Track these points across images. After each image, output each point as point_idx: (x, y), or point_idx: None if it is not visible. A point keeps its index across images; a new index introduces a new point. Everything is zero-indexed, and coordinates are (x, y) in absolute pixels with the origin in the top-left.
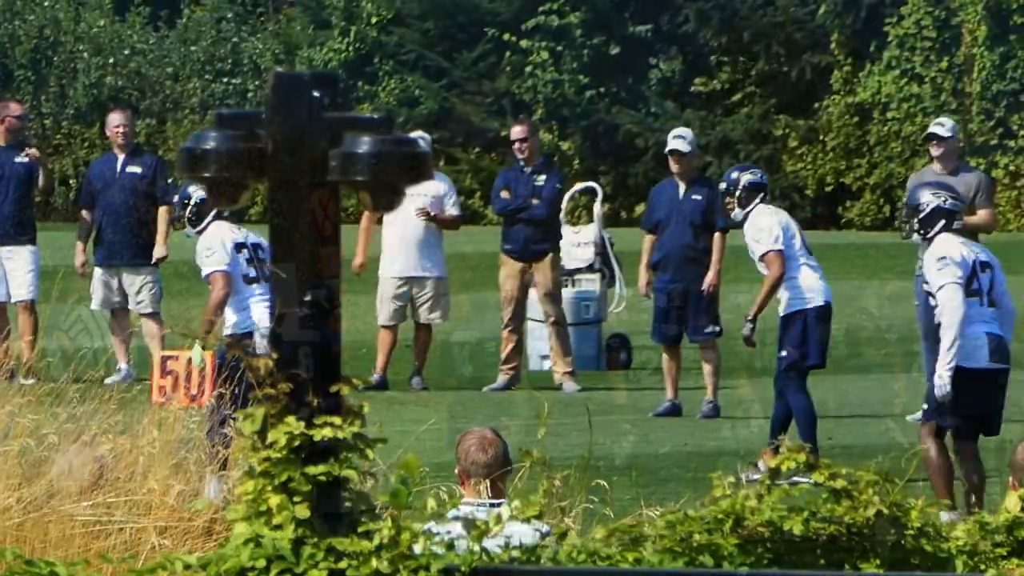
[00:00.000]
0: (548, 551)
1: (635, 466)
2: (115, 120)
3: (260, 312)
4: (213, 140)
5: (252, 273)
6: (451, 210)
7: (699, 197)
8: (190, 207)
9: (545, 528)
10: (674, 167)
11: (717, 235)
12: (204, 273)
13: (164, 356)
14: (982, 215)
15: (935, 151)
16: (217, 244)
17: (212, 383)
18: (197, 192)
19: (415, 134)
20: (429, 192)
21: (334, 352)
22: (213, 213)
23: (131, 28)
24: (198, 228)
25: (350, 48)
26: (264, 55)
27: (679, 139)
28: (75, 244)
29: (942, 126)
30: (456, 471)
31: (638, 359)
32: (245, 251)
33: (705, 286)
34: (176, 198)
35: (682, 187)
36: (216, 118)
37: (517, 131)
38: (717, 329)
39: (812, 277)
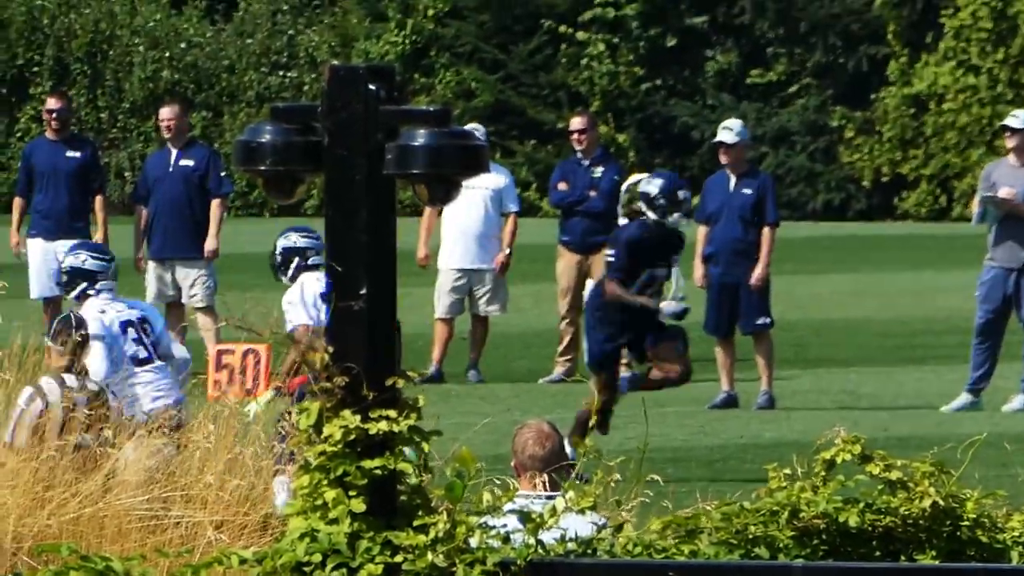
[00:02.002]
0: (604, 543)
1: (691, 458)
2: (164, 114)
3: None
4: (268, 133)
5: None
6: (510, 203)
7: (749, 191)
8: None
9: (601, 520)
10: (723, 158)
11: (767, 228)
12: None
13: (219, 350)
14: None
15: (1010, 143)
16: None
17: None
18: (281, 241)
19: (470, 126)
20: (488, 184)
21: (390, 344)
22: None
23: (187, 21)
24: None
25: (406, 41)
26: (320, 48)
27: (726, 130)
28: (131, 238)
29: (1016, 118)
30: (512, 464)
31: (694, 351)
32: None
33: (753, 280)
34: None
35: (732, 179)
36: (271, 111)
37: (577, 122)
38: (768, 320)
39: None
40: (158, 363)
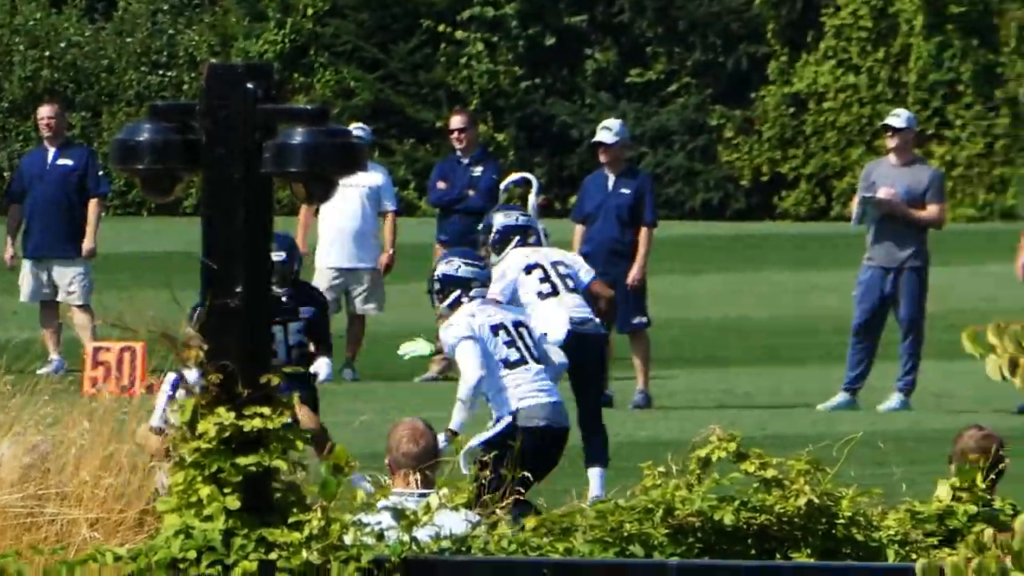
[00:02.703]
0: (479, 541)
1: (566, 456)
2: (43, 113)
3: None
4: (146, 132)
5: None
6: (387, 202)
7: (628, 190)
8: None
9: (475, 518)
10: (602, 158)
11: (644, 229)
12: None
13: (95, 347)
14: (932, 210)
15: (890, 142)
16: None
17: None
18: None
19: (355, 125)
20: (365, 183)
21: (264, 342)
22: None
23: (67, 20)
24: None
25: (285, 40)
26: (200, 47)
27: (605, 130)
28: (4, 237)
29: (897, 117)
30: (386, 461)
31: None
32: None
33: (630, 280)
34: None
35: (611, 179)
36: (150, 109)
37: (456, 121)
38: (645, 320)
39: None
40: (531, 364)
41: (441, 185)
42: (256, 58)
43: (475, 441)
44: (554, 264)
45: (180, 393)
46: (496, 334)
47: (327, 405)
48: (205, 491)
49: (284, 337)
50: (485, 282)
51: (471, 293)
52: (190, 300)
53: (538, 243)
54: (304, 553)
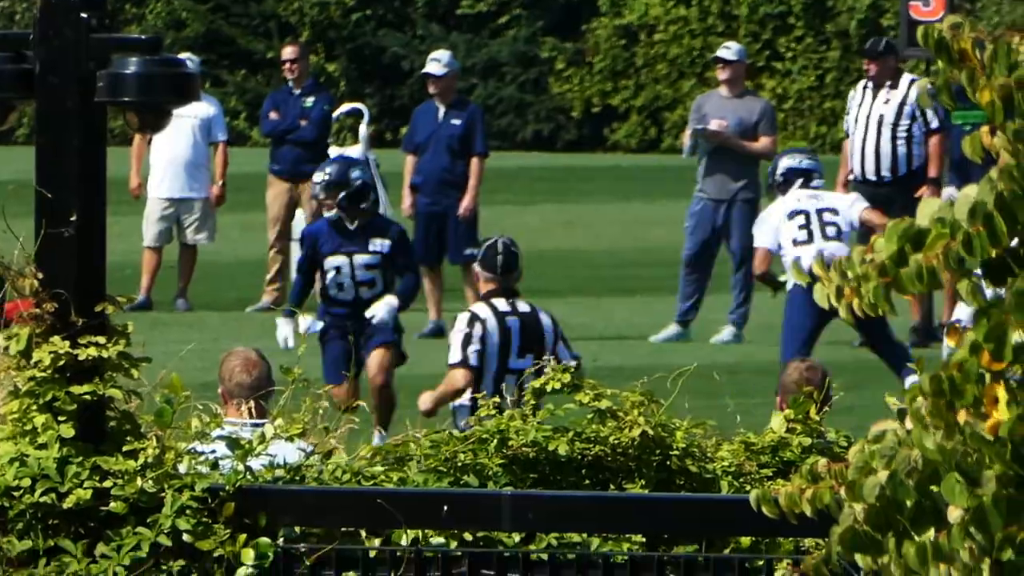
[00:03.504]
0: (313, 471)
1: (401, 387)
2: None
3: None
4: None
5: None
6: (218, 132)
7: (458, 121)
8: None
9: (309, 447)
10: (431, 89)
11: (475, 159)
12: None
13: None
14: (763, 142)
15: (722, 75)
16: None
17: None
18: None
19: (183, 56)
20: (196, 114)
21: (98, 271)
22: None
23: None
24: None
25: None
26: None
27: (434, 62)
28: None
29: (728, 49)
30: (219, 391)
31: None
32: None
33: (461, 211)
34: None
35: (441, 110)
36: None
37: (288, 52)
38: (476, 251)
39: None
40: None
41: (273, 116)
42: None
43: None
44: (820, 212)
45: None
46: None
47: (158, 335)
48: (40, 420)
49: (350, 271)
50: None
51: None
52: (24, 229)
53: (820, 186)
54: (138, 481)
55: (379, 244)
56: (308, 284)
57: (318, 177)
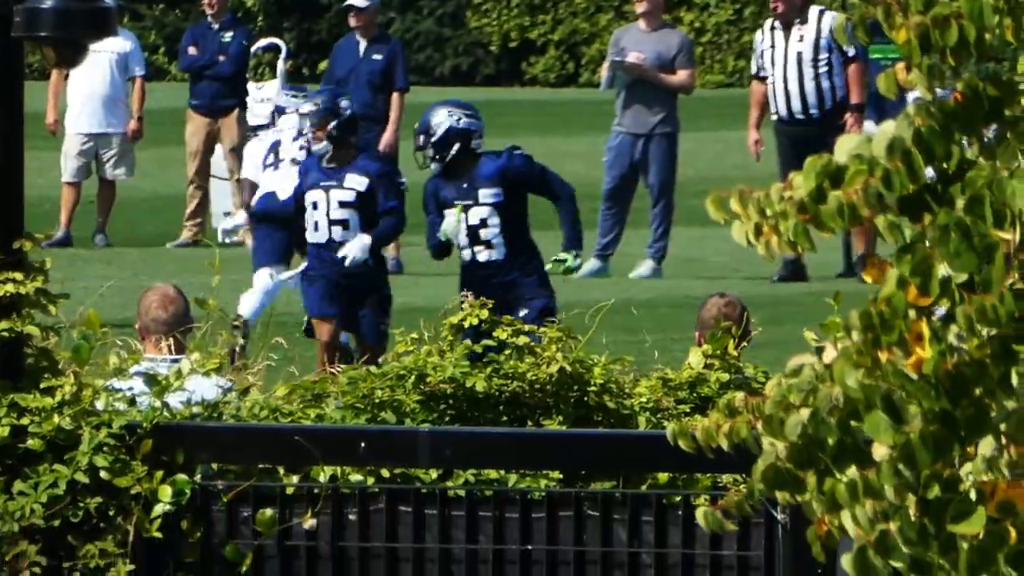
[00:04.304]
0: (230, 407)
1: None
2: None
3: None
4: None
5: None
6: (135, 67)
7: (379, 56)
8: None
9: (227, 384)
10: (353, 22)
11: (395, 94)
12: None
13: None
14: (681, 76)
15: (640, 8)
16: None
17: None
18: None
19: None
20: (114, 48)
21: (16, 207)
22: None
23: None
24: None
25: None
26: None
27: None
28: None
29: None
30: (136, 327)
31: None
32: None
33: (382, 146)
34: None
35: (363, 44)
36: None
37: None
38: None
39: None
40: None
41: (192, 51)
42: None
43: None
44: None
45: None
46: None
47: (77, 271)
48: None
49: (326, 208)
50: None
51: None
52: None
53: None
54: (56, 418)
55: (356, 181)
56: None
57: (307, 108)
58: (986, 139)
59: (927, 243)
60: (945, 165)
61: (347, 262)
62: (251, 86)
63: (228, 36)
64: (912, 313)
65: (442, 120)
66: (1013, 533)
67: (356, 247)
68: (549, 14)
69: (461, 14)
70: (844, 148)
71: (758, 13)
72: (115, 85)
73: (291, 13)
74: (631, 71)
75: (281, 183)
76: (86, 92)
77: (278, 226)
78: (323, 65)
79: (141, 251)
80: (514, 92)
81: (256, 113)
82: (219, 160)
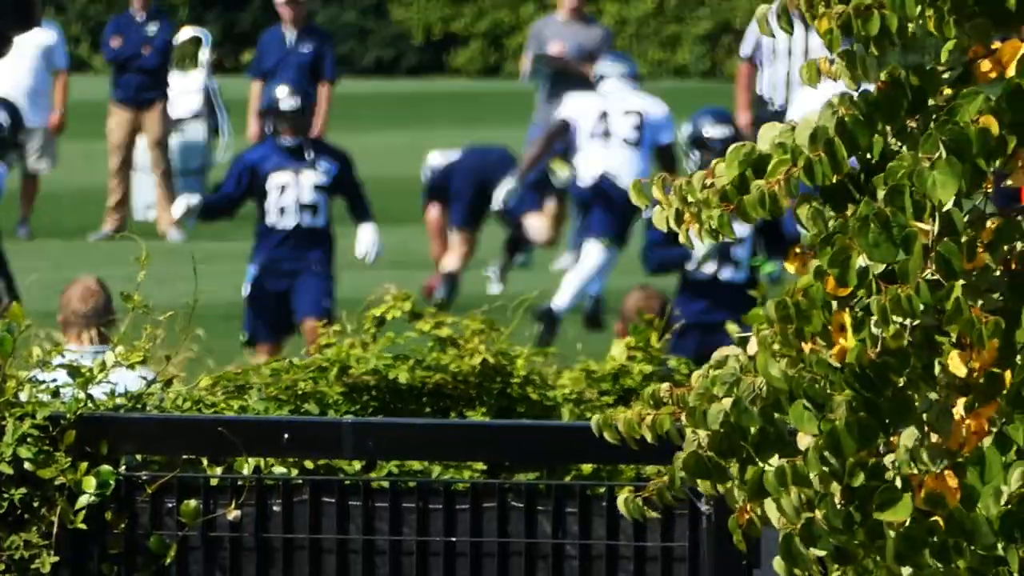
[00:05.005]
0: (154, 398)
1: (238, 315)
2: None
3: None
4: None
5: None
6: (58, 60)
7: (308, 48)
8: None
9: (151, 375)
10: (285, 14)
11: (325, 86)
12: None
13: None
14: None
15: None
16: None
17: None
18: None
19: None
20: (37, 41)
21: None
22: None
23: None
24: None
25: None
26: None
27: None
28: None
29: None
30: (59, 319)
31: None
32: None
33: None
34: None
35: (291, 36)
36: None
37: None
38: None
39: None
40: None
41: (115, 42)
42: None
43: None
44: None
45: None
46: None
47: None
48: None
49: (296, 191)
50: None
51: None
52: None
53: None
54: None
55: (327, 165)
56: (224, 205)
57: (287, 104)
58: (909, 129)
59: (847, 234)
60: (868, 155)
61: (368, 260)
62: (174, 78)
63: (152, 28)
64: (835, 304)
65: None
66: (942, 524)
67: (372, 245)
68: (472, 6)
69: (384, 5)
70: (767, 137)
71: (681, 5)
72: (38, 78)
73: (215, 4)
74: (553, 63)
75: None
76: (10, 84)
77: None
78: (247, 55)
79: (64, 243)
80: (438, 84)
81: (180, 105)
82: (142, 153)
